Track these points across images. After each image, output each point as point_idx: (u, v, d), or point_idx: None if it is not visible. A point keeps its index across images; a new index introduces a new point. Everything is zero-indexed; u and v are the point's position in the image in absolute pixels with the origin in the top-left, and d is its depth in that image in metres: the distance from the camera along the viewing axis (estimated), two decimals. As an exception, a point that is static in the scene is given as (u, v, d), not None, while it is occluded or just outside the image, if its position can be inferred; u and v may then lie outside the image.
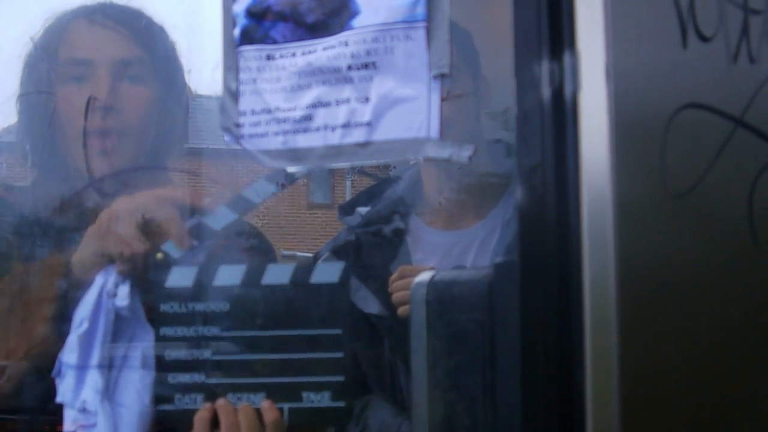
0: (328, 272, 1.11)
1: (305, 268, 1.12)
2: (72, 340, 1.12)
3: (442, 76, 1.06)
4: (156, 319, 1.11)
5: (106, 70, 1.28)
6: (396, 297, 1.37)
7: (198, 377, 1.10)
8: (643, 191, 0.81)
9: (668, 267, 0.83)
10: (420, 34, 1.07)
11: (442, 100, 1.06)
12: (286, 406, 1.09)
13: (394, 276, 1.38)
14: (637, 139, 0.81)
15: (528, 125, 0.82)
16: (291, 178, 1.13)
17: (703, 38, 0.88)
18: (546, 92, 0.81)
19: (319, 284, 1.11)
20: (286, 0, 1.14)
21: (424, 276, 1.05)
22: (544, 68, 0.81)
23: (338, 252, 1.53)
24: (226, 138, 1.17)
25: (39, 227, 1.26)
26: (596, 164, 0.78)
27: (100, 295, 1.12)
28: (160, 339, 1.10)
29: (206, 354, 1.10)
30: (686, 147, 0.85)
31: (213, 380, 1.10)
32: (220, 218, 1.14)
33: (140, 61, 1.31)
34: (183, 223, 1.12)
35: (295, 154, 1.13)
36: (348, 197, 1.67)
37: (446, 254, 1.46)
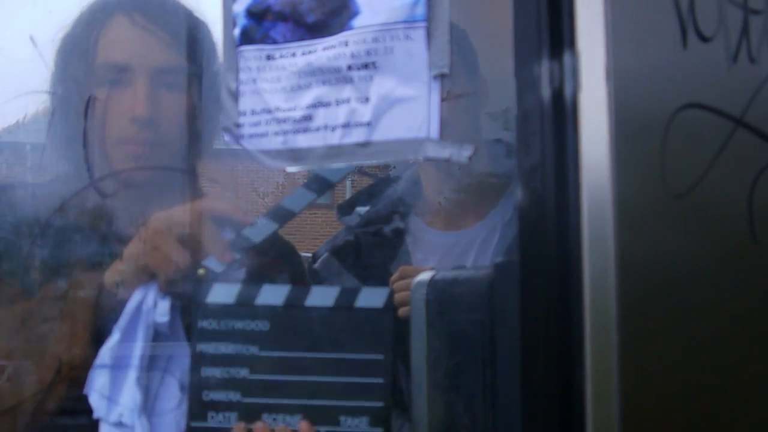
0: (372, 297, 1.10)
1: (349, 292, 1.10)
2: (106, 354, 1.10)
3: (442, 76, 1.06)
4: (194, 334, 1.09)
5: (145, 78, 1.23)
6: (397, 297, 1.37)
7: (234, 396, 1.08)
8: (643, 191, 0.81)
9: (668, 267, 0.83)
10: (420, 34, 1.07)
11: (442, 100, 1.06)
12: (323, 429, 1.07)
13: (395, 276, 1.38)
14: (637, 139, 0.81)
15: (528, 125, 0.82)
16: (326, 184, 1.12)
17: (703, 38, 0.88)
18: (546, 92, 0.81)
19: (363, 308, 1.10)
20: (286, 0, 1.14)
21: (424, 276, 1.05)
22: (544, 68, 0.81)
23: (338, 252, 1.53)
24: (226, 138, 1.17)
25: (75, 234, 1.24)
26: (596, 164, 0.78)
27: (138, 309, 1.10)
28: (197, 356, 1.09)
29: (243, 373, 1.08)
30: (686, 147, 0.85)
31: (249, 399, 1.08)
32: (260, 230, 1.12)
33: (179, 68, 1.26)
34: (223, 236, 1.10)
35: (295, 154, 1.13)
36: (348, 197, 1.67)
37: (446, 254, 1.46)
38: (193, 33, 1.29)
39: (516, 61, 0.83)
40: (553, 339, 0.79)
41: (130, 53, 1.25)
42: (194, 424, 1.08)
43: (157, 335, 1.11)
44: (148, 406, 1.09)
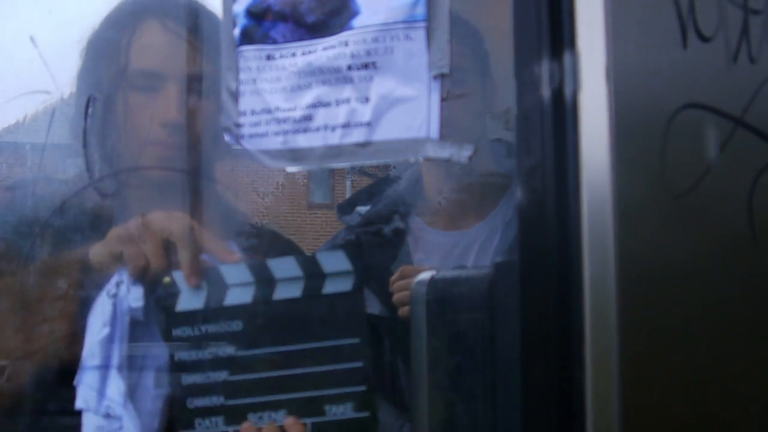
0: (339, 283, 1.09)
1: (315, 279, 1.09)
2: (92, 345, 1.11)
3: (442, 76, 1.06)
4: (169, 343, 1.09)
5: (177, 84, 1.23)
6: (397, 297, 1.37)
7: (217, 400, 1.08)
8: (643, 191, 0.81)
9: (668, 267, 0.83)
10: (420, 34, 1.07)
11: (442, 100, 1.06)
12: (309, 421, 1.07)
13: (395, 276, 1.38)
14: (637, 139, 0.81)
15: (528, 125, 0.82)
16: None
17: (703, 38, 0.88)
18: (546, 92, 0.81)
19: (331, 294, 1.09)
20: (286, 0, 1.14)
21: (424, 276, 1.05)
22: (544, 68, 0.81)
23: None
24: (226, 138, 1.17)
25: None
26: (596, 164, 0.78)
27: (115, 296, 1.11)
28: (175, 364, 1.09)
29: (223, 375, 1.08)
30: (686, 147, 0.85)
31: (233, 401, 1.08)
32: (232, 271, 1.11)
33: (209, 74, 1.25)
34: (198, 261, 1.10)
35: (295, 154, 1.13)
36: (348, 197, 1.67)
37: (447, 254, 1.46)
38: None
39: (516, 61, 0.83)
40: (553, 339, 0.79)
41: (162, 59, 1.26)
42: None
43: (134, 323, 1.11)
44: (131, 395, 1.10)
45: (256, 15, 1.15)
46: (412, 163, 1.47)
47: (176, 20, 1.27)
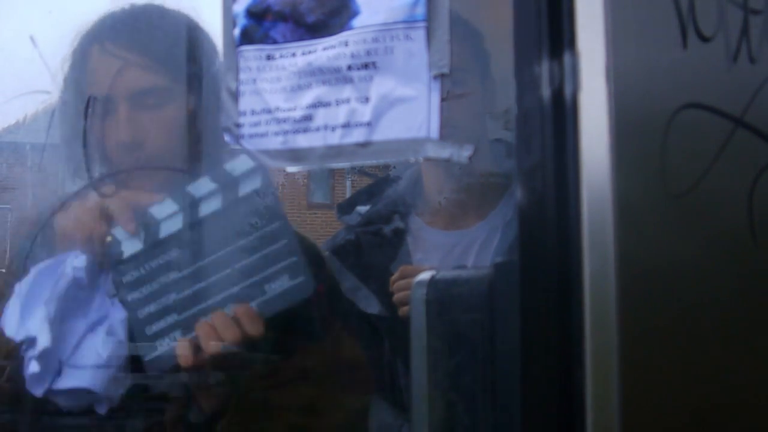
0: (249, 182, 1.19)
1: (228, 185, 1.20)
2: (22, 288, 1.19)
3: (442, 76, 1.06)
4: (121, 289, 1.21)
5: (125, 104, 1.26)
6: (397, 297, 1.37)
7: (171, 318, 1.18)
8: (643, 191, 0.81)
9: (668, 267, 0.83)
10: (420, 34, 1.07)
11: (442, 100, 1.06)
12: (254, 302, 1.16)
13: (395, 276, 1.38)
14: (637, 139, 0.81)
15: (528, 125, 0.82)
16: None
17: (703, 38, 0.88)
18: (546, 92, 0.81)
19: (247, 194, 1.20)
20: (286, 0, 1.14)
21: (424, 276, 1.04)
22: (544, 68, 0.81)
23: (338, 251, 1.52)
24: (226, 138, 1.17)
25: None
26: (596, 164, 0.78)
27: (57, 263, 1.20)
28: (130, 305, 1.20)
29: (173, 297, 1.19)
30: (686, 147, 0.85)
31: (186, 314, 1.18)
32: (159, 208, 1.21)
33: (158, 87, 1.28)
34: (130, 210, 1.21)
35: (295, 154, 1.13)
36: (348, 197, 1.67)
37: (447, 254, 1.46)
38: (187, 42, 1.32)
39: (516, 61, 0.83)
40: (553, 339, 0.79)
41: (107, 83, 1.29)
42: (149, 357, 1.18)
43: (78, 288, 1.20)
44: (68, 356, 1.17)
45: (256, 15, 1.15)
46: (412, 163, 1.47)
47: (115, 41, 1.29)
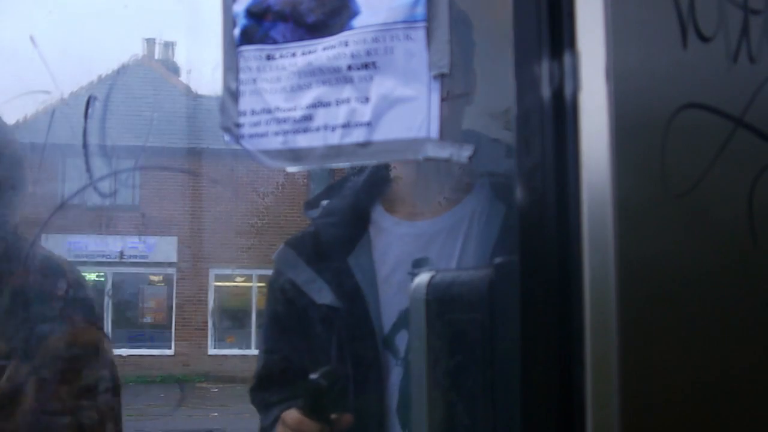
0: None
1: None
2: None
3: (442, 76, 1.06)
4: None
5: None
6: None
7: None
8: (643, 191, 0.81)
9: (668, 267, 0.83)
10: (420, 34, 1.07)
11: (442, 100, 1.06)
12: None
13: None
14: (637, 139, 0.81)
15: (528, 125, 0.82)
16: None
17: (703, 38, 0.88)
18: (546, 92, 0.80)
19: None
20: (286, 0, 1.14)
21: (424, 276, 1.04)
22: (544, 68, 0.81)
23: (294, 243, 1.51)
24: (226, 138, 1.17)
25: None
26: (596, 164, 0.78)
27: None
28: None
29: None
30: (686, 147, 0.85)
31: None
32: None
33: None
34: None
35: (295, 154, 1.13)
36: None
37: (410, 244, 1.44)
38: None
39: (516, 61, 0.83)
40: (553, 339, 0.79)
41: None
42: None
43: None
44: None
45: (256, 15, 1.15)
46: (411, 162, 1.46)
47: None
